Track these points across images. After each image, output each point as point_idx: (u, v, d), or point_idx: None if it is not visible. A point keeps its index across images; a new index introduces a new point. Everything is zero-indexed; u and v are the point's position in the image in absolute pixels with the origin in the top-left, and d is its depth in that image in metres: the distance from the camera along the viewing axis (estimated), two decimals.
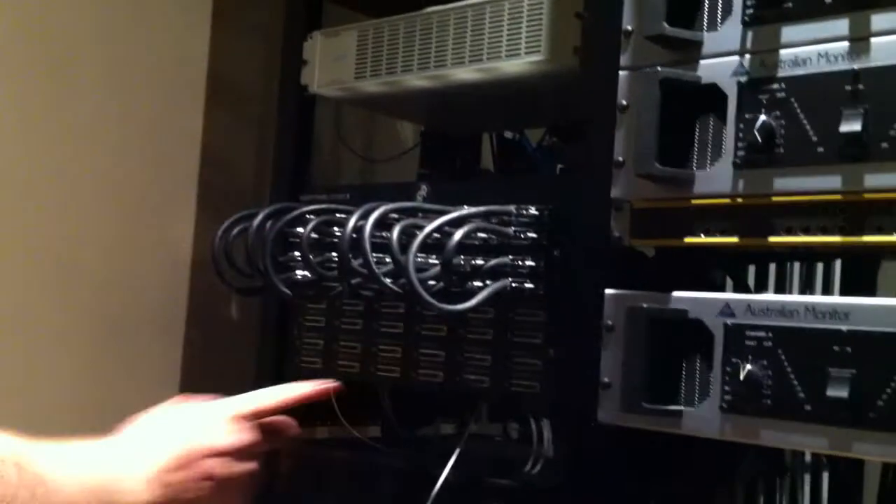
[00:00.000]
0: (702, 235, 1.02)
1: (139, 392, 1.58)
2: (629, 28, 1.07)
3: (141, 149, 1.58)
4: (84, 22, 1.51)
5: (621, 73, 1.07)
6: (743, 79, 0.99)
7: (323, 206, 1.35)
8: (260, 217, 1.34)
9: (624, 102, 1.06)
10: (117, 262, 1.56)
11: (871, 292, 1.37)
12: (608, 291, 1.08)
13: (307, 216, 1.33)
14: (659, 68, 1.02)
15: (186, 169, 1.64)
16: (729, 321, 0.99)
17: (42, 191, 1.47)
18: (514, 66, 1.23)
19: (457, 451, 1.25)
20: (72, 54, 1.50)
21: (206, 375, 1.65)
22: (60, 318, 1.49)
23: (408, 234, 1.16)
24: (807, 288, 1.43)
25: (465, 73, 1.28)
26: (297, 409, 1.49)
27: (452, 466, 1.24)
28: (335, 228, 1.31)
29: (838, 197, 0.93)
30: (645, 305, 1.04)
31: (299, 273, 1.33)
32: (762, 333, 0.97)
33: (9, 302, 1.44)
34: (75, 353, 1.52)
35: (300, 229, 1.31)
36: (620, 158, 1.07)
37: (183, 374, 1.63)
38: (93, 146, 1.53)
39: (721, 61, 1.01)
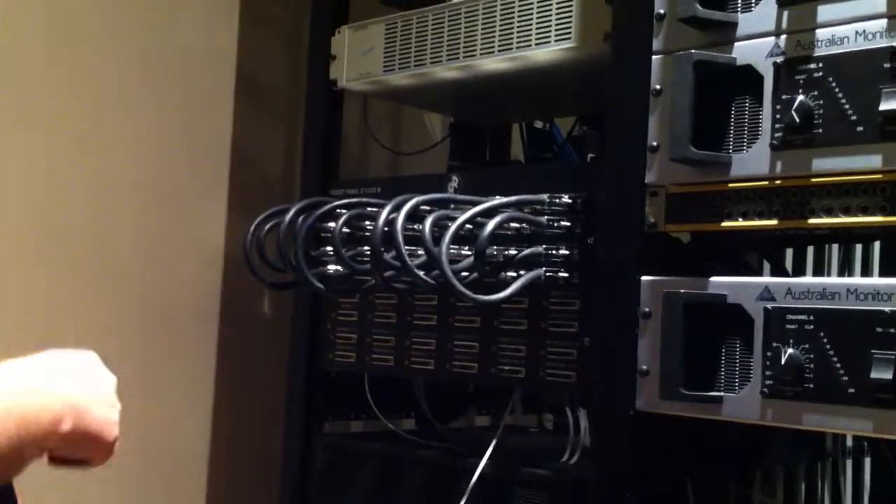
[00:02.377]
0: (739, 219, 1.01)
1: (176, 385, 1.59)
2: (661, 11, 1.06)
3: (172, 147, 1.59)
4: (113, 22, 1.52)
5: (654, 57, 1.06)
6: (779, 59, 0.98)
7: (354, 199, 1.35)
8: (292, 212, 1.34)
9: (657, 87, 1.06)
10: (151, 260, 1.57)
11: None
12: (644, 278, 1.07)
13: (338, 210, 1.33)
14: (693, 51, 1.01)
15: (217, 166, 1.64)
16: (769, 305, 0.98)
17: (76, 191, 1.48)
18: (544, 53, 1.22)
19: (493, 443, 1.25)
20: (102, 55, 1.51)
21: (240, 369, 1.66)
22: (95, 314, 1.50)
23: (440, 226, 1.15)
24: (845, 270, 1.41)
25: (495, 63, 1.28)
26: (332, 402, 1.50)
27: (488, 458, 1.24)
28: (367, 222, 1.31)
29: (879, 176, 0.92)
30: (682, 291, 1.03)
31: (331, 267, 1.34)
32: (803, 317, 0.96)
33: (47, 300, 1.45)
34: (107, 347, 1.53)
35: (332, 224, 1.31)
36: (655, 143, 1.06)
37: (218, 368, 1.63)
38: (125, 146, 1.53)
39: (756, 42, 1.00)
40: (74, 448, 0.75)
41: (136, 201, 1.55)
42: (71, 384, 0.73)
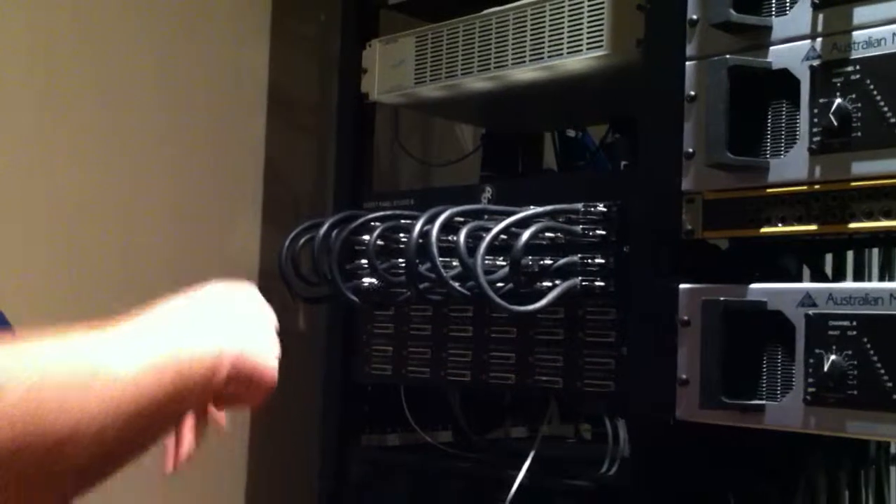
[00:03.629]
0: (778, 225, 1.00)
1: None
2: (694, 17, 1.05)
3: (204, 165, 1.60)
4: (143, 42, 1.53)
5: (688, 63, 1.06)
6: (815, 62, 0.97)
7: (388, 212, 1.36)
8: (326, 226, 1.35)
9: (692, 93, 1.05)
10: (185, 276, 1.56)
11: None
12: (682, 286, 1.06)
13: (372, 223, 1.33)
14: (727, 56, 1.00)
15: (250, 182, 1.65)
16: (810, 311, 0.97)
17: (106, 210, 1.49)
18: (576, 62, 1.22)
19: (531, 454, 1.24)
20: (132, 73, 1.52)
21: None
22: None
23: (474, 237, 1.15)
24: (885, 274, 1.39)
25: (526, 73, 1.28)
26: (368, 415, 1.50)
27: (526, 469, 1.23)
28: (401, 234, 1.31)
29: None
30: (721, 299, 1.02)
31: (366, 280, 1.34)
32: (846, 322, 0.94)
33: (77, 318, 1.45)
34: None
35: (366, 237, 1.31)
36: (690, 150, 1.05)
37: None
38: (156, 165, 1.55)
39: (792, 46, 0.99)
40: (232, 398, 0.72)
41: (169, 219, 1.56)
42: (229, 329, 0.69)
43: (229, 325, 0.70)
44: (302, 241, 1.38)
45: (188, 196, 1.59)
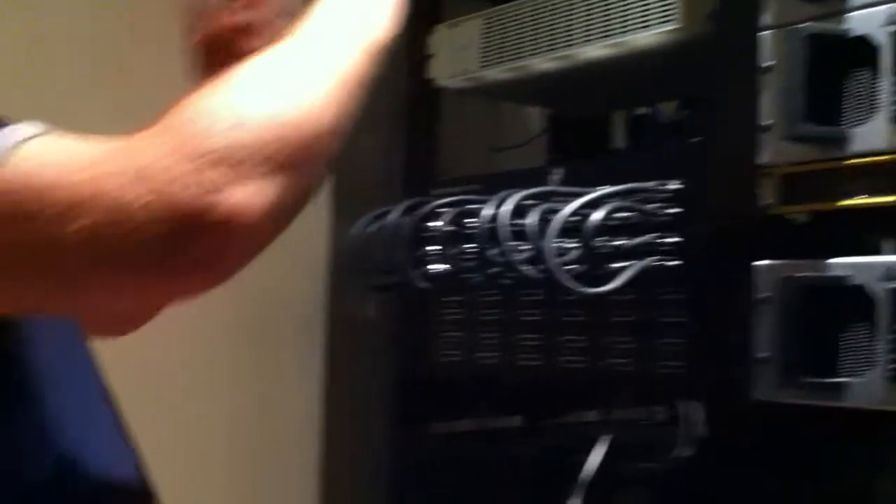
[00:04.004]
0: (859, 197, 0.97)
1: (282, 391, 1.61)
2: None
3: None
4: None
5: (762, 33, 1.03)
6: (895, 28, 0.94)
7: (456, 198, 1.35)
8: (395, 213, 1.35)
9: (767, 63, 1.02)
10: (253, 267, 1.58)
11: None
12: (759, 263, 1.04)
13: (441, 209, 1.33)
14: (803, 24, 0.98)
15: None
16: (894, 285, 0.94)
17: None
18: (647, 38, 1.20)
19: (603, 438, 1.23)
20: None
21: (346, 373, 1.67)
22: (198, 322, 1.52)
23: (544, 220, 1.14)
24: None
25: (595, 51, 1.26)
26: (438, 402, 1.50)
27: (598, 454, 1.22)
28: (470, 219, 1.30)
29: None
30: (799, 275, 1.00)
31: (436, 266, 1.33)
32: None
33: None
34: (215, 355, 1.55)
35: (435, 223, 1.30)
36: (766, 122, 1.03)
37: (324, 373, 1.65)
38: None
39: (870, 11, 0.96)
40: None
41: None
42: None
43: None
44: (371, 228, 1.38)
45: None
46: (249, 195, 0.55)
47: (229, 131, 0.55)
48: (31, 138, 0.55)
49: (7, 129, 0.55)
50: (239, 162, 0.54)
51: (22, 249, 0.54)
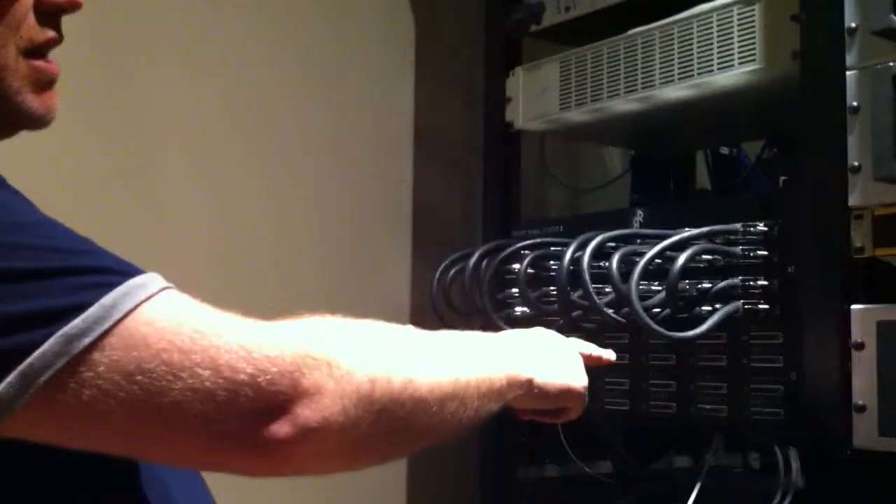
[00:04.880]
0: None
1: None
2: (853, 25, 1.00)
3: (355, 200, 1.62)
4: (298, 82, 1.57)
5: (848, 73, 1.00)
6: None
7: (537, 240, 1.34)
8: (475, 256, 1.34)
9: (854, 104, 0.99)
10: (336, 310, 1.59)
11: None
12: (854, 307, 1.00)
13: (522, 252, 1.32)
14: (891, 64, 0.95)
15: (400, 216, 1.67)
16: None
17: (265, 248, 1.53)
18: (728, 78, 1.17)
19: (697, 486, 1.20)
20: (287, 115, 1.56)
21: None
22: None
23: (627, 262, 1.12)
24: None
25: (676, 92, 1.24)
26: (526, 447, 1.48)
27: (693, 502, 1.19)
28: (551, 262, 1.29)
29: None
30: None
31: (518, 309, 1.32)
32: None
33: None
34: None
35: (516, 265, 1.30)
36: (856, 163, 0.99)
37: None
38: (309, 200, 1.58)
39: None
40: (548, 412, 0.87)
41: (321, 256, 1.59)
42: (537, 360, 0.82)
43: (538, 357, 0.83)
44: (452, 272, 1.38)
45: (339, 233, 1.61)
46: (332, 406, 0.59)
47: (344, 357, 0.61)
48: (153, 296, 0.59)
49: (134, 283, 0.58)
50: (341, 380, 0.60)
51: (133, 403, 0.57)
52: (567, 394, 0.84)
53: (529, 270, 1.29)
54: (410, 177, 1.68)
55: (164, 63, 1.44)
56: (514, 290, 1.32)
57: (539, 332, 0.90)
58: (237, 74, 1.51)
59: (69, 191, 1.29)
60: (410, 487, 1.64)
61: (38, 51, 0.70)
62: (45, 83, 0.71)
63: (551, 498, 1.41)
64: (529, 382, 0.79)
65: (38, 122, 0.71)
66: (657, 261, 1.13)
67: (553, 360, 0.85)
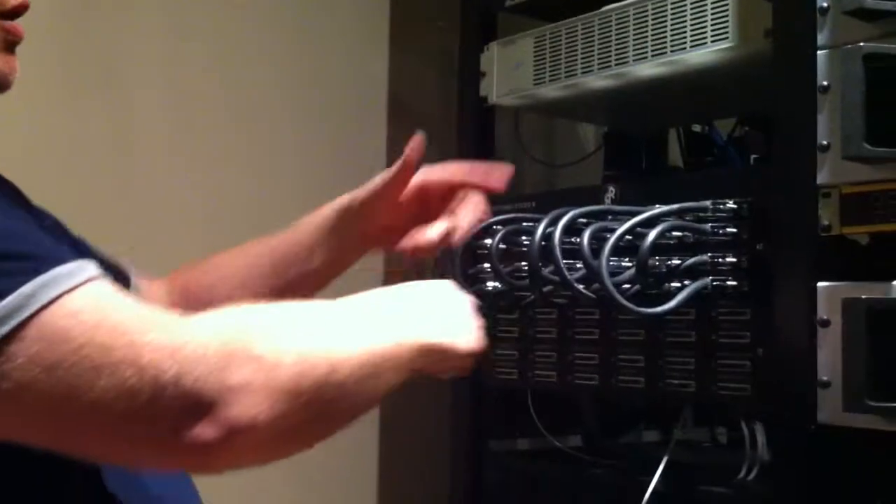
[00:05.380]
0: None
1: None
2: (825, 4, 1.01)
3: (328, 173, 1.62)
4: (266, 54, 1.57)
5: (819, 52, 1.01)
6: None
7: (509, 215, 1.34)
8: None
9: (825, 83, 1.00)
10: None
11: None
12: (821, 284, 1.02)
13: (494, 227, 1.32)
14: (861, 44, 0.95)
15: None
16: None
17: (240, 218, 1.53)
18: (701, 55, 1.18)
19: (665, 459, 1.21)
20: (256, 86, 1.55)
21: (404, 390, 1.66)
22: None
23: (598, 238, 1.13)
24: None
25: (649, 69, 1.25)
26: (496, 420, 1.49)
27: (660, 475, 1.20)
28: (523, 237, 1.30)
29: None
30: (864, 297, 0.97)
31: (489, 284, 1.33)
32: None
33: None
34: None
35: (488, 241, 1.30)
36: (825, 142, 1.00)
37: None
38: (281, 172, 1.58)
39: None
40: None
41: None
42: (425, 320, 0.77)
43: (425, 317, 0.77)
44: None
45: (316, 204, 1.61)
46: (260, 404, 0.57)
47: (268, 351, 0.59)
48: (79, 286, 0.57)
49: (59, 272, 0.57)
50: (268, 376, 0.58)
51: (55, 397, 0.55)
52: (453, 354, 0.79)
53: (501, 246, 1.29)
54: (384, 151, 1.68)
55: (145, 32, 1.43)
56: (486, 265, 1.32)
57: (435, 286, 0.85)
58: (214, 49, 1.51)
59: (40, 160, 1.28)
60: (382, 461, 1.65)
61: (7, 15, 0.70)
62: (9, 44, 0.71)
63: (522, 471, 1.42)
64: (440, 348, 0.76)
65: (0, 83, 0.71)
66: (628, 237, 1.13)
67: (444, 319, 0.81)
